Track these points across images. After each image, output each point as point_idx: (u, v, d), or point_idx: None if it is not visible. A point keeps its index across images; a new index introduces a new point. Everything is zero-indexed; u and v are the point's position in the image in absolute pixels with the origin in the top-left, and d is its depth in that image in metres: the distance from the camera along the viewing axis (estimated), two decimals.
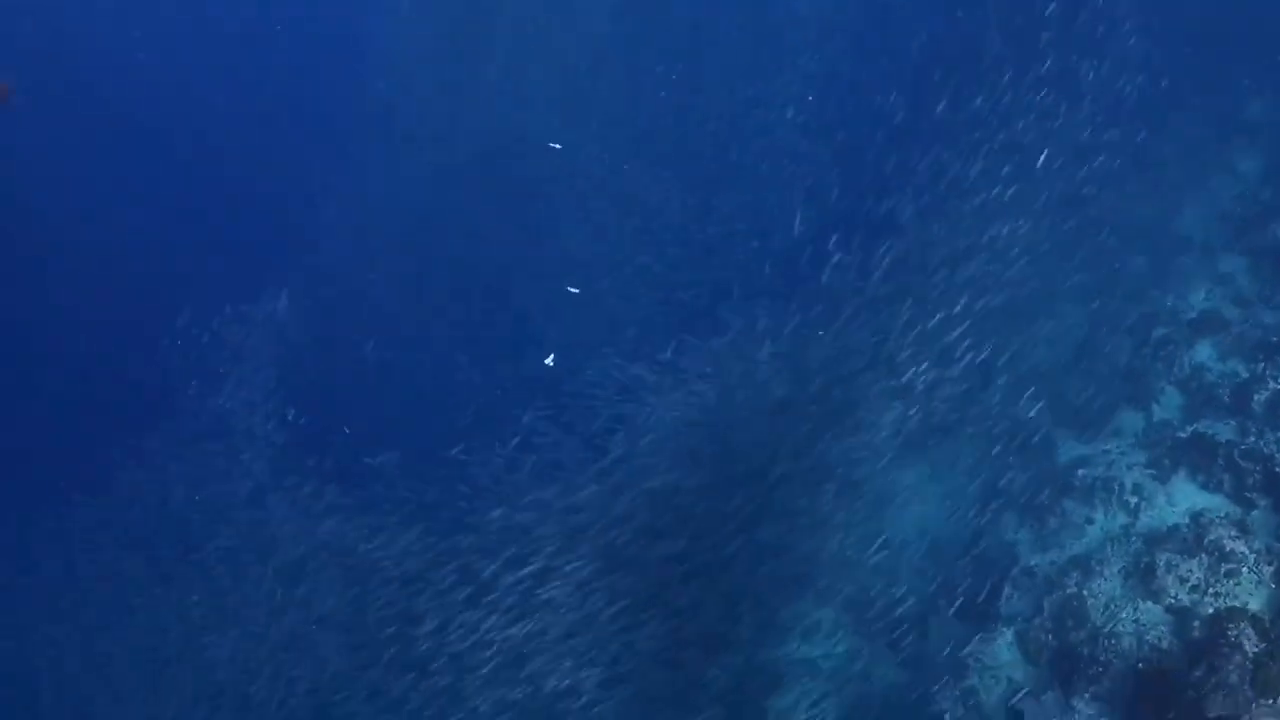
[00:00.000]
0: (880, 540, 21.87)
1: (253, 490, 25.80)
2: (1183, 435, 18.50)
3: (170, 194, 40.90)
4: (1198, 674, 12.65)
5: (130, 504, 27.42)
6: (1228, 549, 15.40)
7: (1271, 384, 18.36)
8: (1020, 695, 16.05)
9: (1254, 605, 14.08)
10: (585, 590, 20.89)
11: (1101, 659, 14.91)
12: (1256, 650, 12.77)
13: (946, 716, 17.11)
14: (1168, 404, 19.71)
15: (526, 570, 20.90)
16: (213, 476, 26.66)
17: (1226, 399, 18.67)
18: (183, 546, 25.48)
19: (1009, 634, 17.27)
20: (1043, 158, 25.07)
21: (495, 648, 20.53)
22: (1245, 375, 18.91)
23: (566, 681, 20.86)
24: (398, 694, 21.05)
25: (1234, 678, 12.33)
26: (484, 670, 20.39)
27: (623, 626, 21.02)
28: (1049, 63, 25.54)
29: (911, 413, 23.17)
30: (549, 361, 24.37)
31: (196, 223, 39.06)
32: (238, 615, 23.81)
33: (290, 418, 26.53)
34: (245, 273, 32.36)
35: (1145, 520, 17.58)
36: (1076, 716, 14.09)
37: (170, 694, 24.05)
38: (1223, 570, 15.13)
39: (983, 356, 23.11)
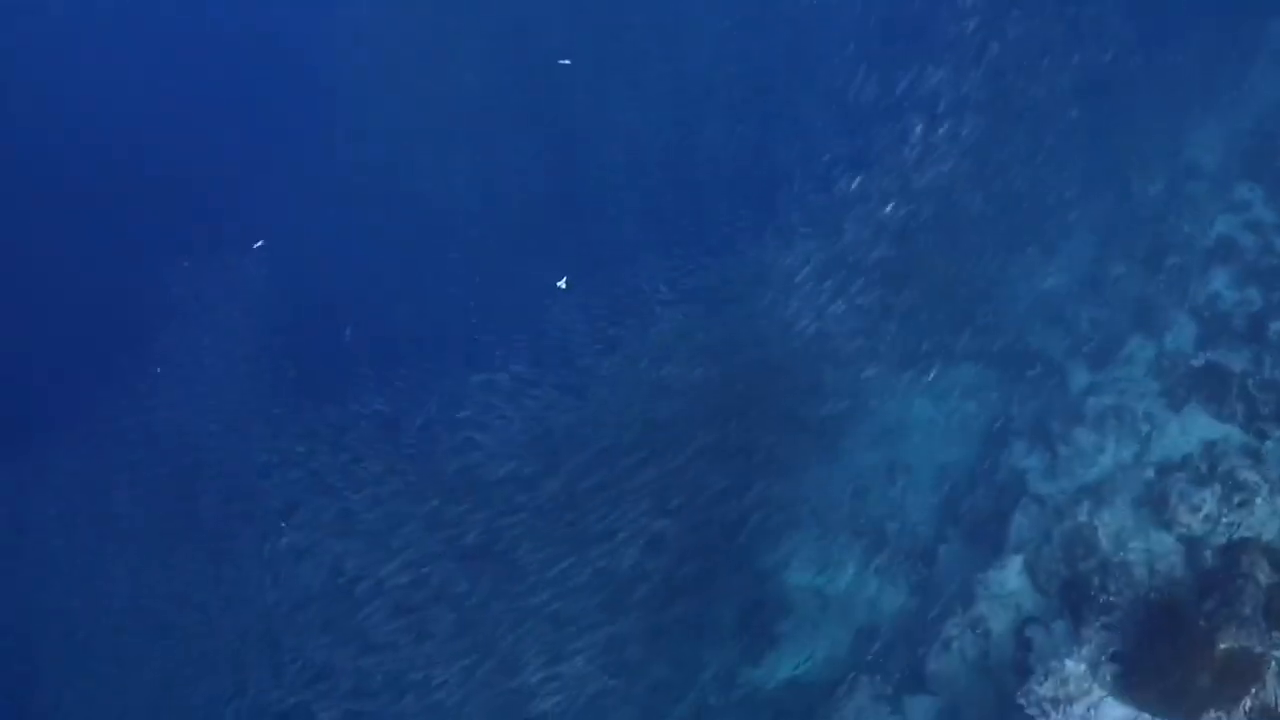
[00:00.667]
0: (889, 468, 21.93)
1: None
2: (1196, 364, 18.36)
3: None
4: (1209, 605, 12.63)
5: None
6: (1241, 479, 15.32)
7: None
8: (1030, 623, 16.05)
9: (1267, 536, 14.03)
10: (595, 517, 20.96)
11: (1112, 588, 14.88)
12: (1269, 581, 12.74)
13: (955, 644, 17.11)
14: (1181, 332, 19.54)
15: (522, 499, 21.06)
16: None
17: (1240, 328, 18.51)
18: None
19: (1018, 563, 17.23)
20: (1055, 81, 24.95)
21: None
22: (1260, 304, 18.77)
23: (575, 608, 21.02)
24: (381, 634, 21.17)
25: (1247, 609, 12.31)
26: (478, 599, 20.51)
27: (632, 555, 21.08)
28: None
29: (919, 336, 23.14)
30: (562, 284, 24.18)
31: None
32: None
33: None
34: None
35: (1157, 449, 17.49)
36: (1086, 646, 14.05)
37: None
38: (1235, 500, 15.06)
39: (992, 278, 23.09)
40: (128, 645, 23.45)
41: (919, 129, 23.54)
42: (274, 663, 21.40)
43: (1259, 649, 11.99)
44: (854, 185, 23.61)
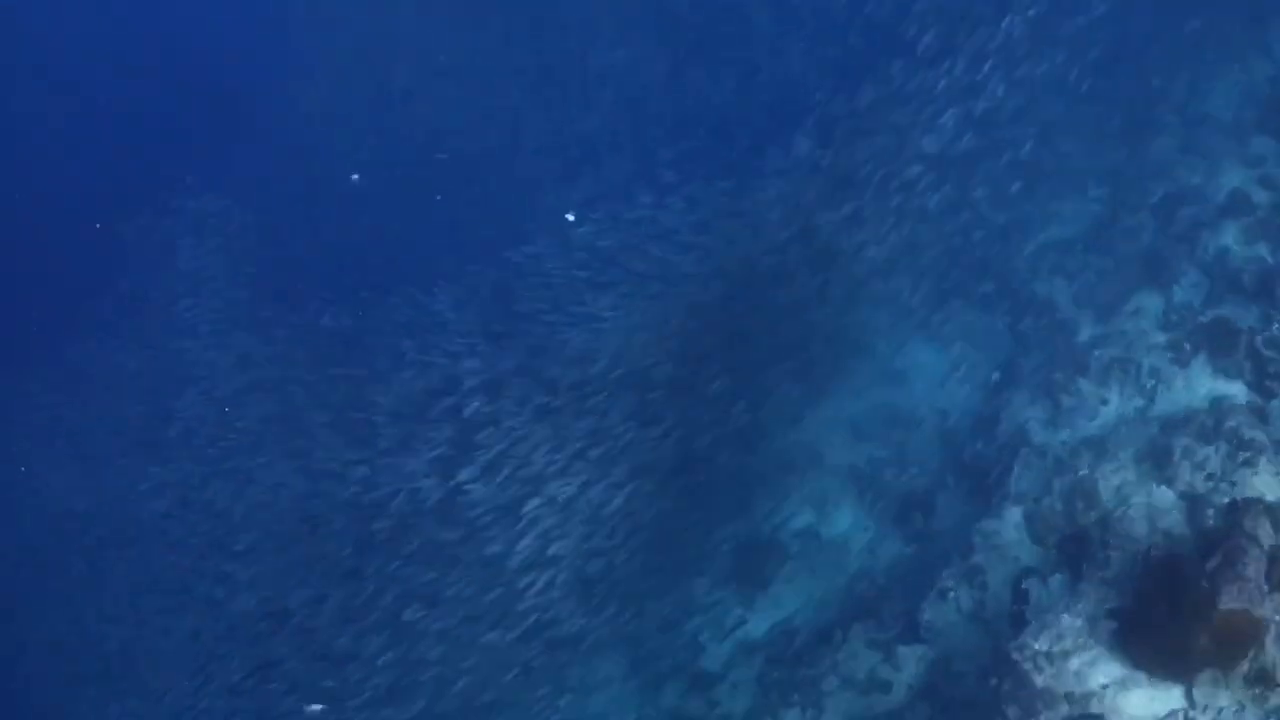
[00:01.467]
0: (890, 412, 21.84)
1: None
2: (1204, 319, 18.02)
3: None
4: (1211, 564, 12.43)
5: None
6: (1246, 437, 15.10)
7: None
8: (1027, 576, 15.94)
9: (1271, 496, 13.81)
10: (593, 445, 20.87)
11: (1112, 543, 14.68)
12: (1273, 543, 12.55)
13: (951, 594, 17.05)
14: (1189, 286, 19.21)
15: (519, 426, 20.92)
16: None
17: (1250, 284, 18.17)
18: None
19: (1017, 514, 17.11)
20: (1069, 30, 24.51)
21: (484, 508, 20.65)
22: (1271, 261, 18.43)
23: (567, 542, 20.97)
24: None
25: (1249, 570, 12.13)
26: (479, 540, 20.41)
27: (625, 489, 21.00)
28: None
29: (924, 282, 22.95)
30: (570, 217, 23.93)
31: None
32: None
33: None
34: None
35: (1162, 404, 17.30)
36: (1084, 600, 13.90)
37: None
38: (1240, 459, 14.86)
39: (1000, 227, 22.86)
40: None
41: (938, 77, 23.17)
42: None
43: (1259, 612, 11.83)
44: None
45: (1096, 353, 18.74)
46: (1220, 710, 12.00)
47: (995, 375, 21.06)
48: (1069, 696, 12.80)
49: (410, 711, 20.39)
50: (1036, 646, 13.29)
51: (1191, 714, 12.08)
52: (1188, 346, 17.93)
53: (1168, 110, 23.70)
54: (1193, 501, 14.76)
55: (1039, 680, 13.00)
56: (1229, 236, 19.41)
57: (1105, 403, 18.06)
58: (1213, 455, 15.20)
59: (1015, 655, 13.44)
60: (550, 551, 20.76)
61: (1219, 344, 17.52)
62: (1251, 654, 11.84)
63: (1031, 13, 22.97)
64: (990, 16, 22.79)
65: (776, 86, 28.39)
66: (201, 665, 21.93)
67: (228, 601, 22.32)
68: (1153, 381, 17.79)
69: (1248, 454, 14.86)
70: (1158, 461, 15.79)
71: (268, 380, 25.03)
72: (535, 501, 20.41)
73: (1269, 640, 11.88)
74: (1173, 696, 12.25)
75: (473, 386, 21.31)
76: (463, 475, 20.43)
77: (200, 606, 22.77)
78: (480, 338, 22.81)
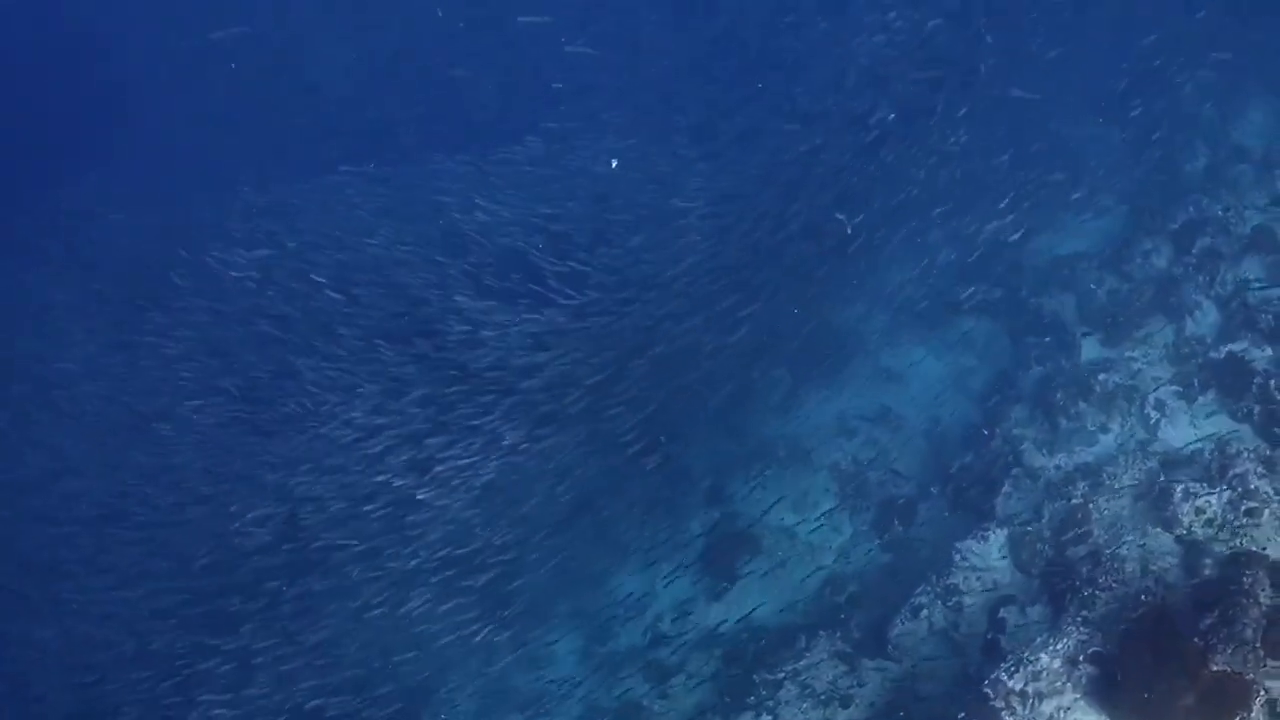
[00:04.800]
0: (881, 413, 21.25)
1: None
2: (1216, 355, 17.32)
3: None
4: (1206, 620, 11.82)
5: None
6: (1252, 486, 14.37)
7: None
8: (1006, 603, 15.34)
9: (1274, 553, 13.21)
10: (577, 414, 20.29)
11: (1100, 581, 14.04)
12: (1272, 603, 11.94)
13: (924, 612, 16.41)
14: (1203, 319, 18.58)
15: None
16: None
17: (1267, 325, 17.45)
18: None
19: (1002, 535, 16.47)
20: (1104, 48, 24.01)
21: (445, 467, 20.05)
22: None
23: (540, 514, 20.65)
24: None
25: (1247, 631, 11.49)
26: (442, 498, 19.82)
27: (599, 462, 20.70)
28: None
29: (930, 282, 22.34)
30: (613, 164, 23.48)
31: None
32: None
33: None
34: None
35: (1165, 439, 16.68)
36: (1064, 639, 13.27)
37: None
38: (1244, 508, 14.15)
39: (1014, 237, 22.24)
40: None
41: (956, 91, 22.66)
42: None
43: (1251, 676, 11.23)
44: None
45: (1101, 377, 18.07)
46: None
47: (994, 387, 20.43)
48: None
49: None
50: (1010, 684, 12.69)
51: None
52: (1196, 382, 17.28)
53: (1198, 136, 23.02)
54: (1190, 548, 14.09)
55: None
56: (1250, 272, 18.73)
57: (1106, 430, 17.43)
58: (1215, 501, 14.49)
59: (987, 689, 12.85)
60: (514, 513, 20.47)
61: (1229, 383, 16.86)
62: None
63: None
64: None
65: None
66: None
67: None
68: (1157, 415, 17.14)
69: (1252, 504, 14.14)
70: (1156, 500, 15.13)
71: None
72: (497, 463, 19.86)
73: (1257, 707, 11.24)
74: None
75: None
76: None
77: None
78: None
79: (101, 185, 32.14)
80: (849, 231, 21.70)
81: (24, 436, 23.79)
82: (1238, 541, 13.82)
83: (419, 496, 19.77)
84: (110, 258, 27.57)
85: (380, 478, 19.78)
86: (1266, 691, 11.34)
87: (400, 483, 19.54)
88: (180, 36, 35.46)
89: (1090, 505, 15.66)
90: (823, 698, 16.97)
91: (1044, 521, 16.15)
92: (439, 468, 19.52)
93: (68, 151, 33.88)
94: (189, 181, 30.02)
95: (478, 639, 20.39)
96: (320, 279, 21.77)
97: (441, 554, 20.08)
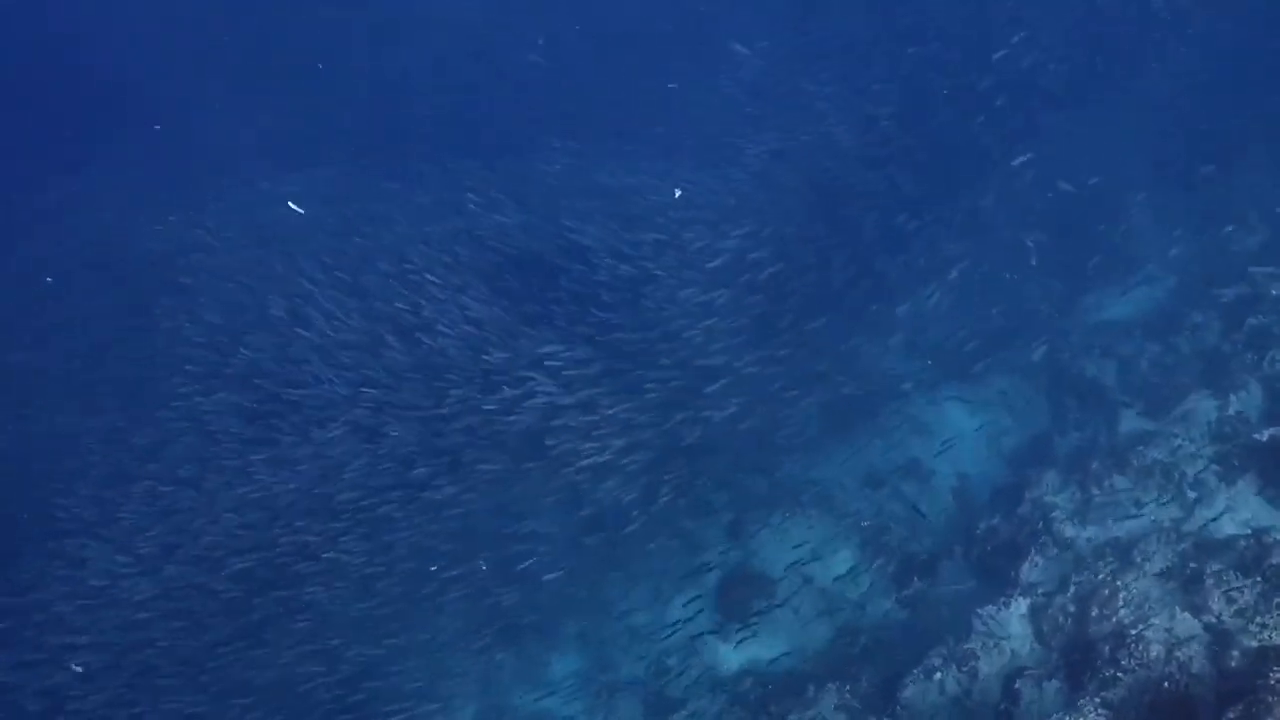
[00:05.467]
0: (910, 466, 20.86)
1: None
2: (1259, 438, 16.87)
3: None
4: (1229, 715, 11.46)
5: None
6: None
7: None
8: (1022, 675, 14.95)
9: None
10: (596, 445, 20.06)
11: (1121, 662, 13.71)
12: None
13: (938, 675, 15.98)
14: (1249, 400, 18.13)
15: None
16: None
17: None
18: None
19: (1024, 605, 16.09)
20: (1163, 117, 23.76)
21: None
22: None
23: (555, 530, 20.62)
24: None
25: None
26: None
27: (618, 490, 20.35)
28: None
29: (970, 336, 22.00)
30: (676, 193, 23.39)
31: None
32: None
33: None
34: None
35: (1200, 521, 16.21)
36: (1079, 718, 12.95)
37: None
38: (1276, 601, 13.80)
39: (1059, 298, 21.93)
40: None
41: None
42: None
43: None
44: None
45: (1139, 450, 17.69)
46: None
47: (1028, 450, 20.12)
48: None
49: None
50: None
51: None
52: (1237, 463, 16.89)
53: (1253, 208, 22.56)
54: (1218, 636, 13.72)
55: None
56: None
57: (1140, 506, 16.98)
58: (1248, 590, 14.13)
59: None
60: (528, 527, 20.45)
61: (1271, 469, 16.45)
62: None
63: None
64: None
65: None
66: None
67: None
68: (1194, 494, 16.73)
69: None
70: (1186, 584, 14.78)
71: None
72: (515, 476, 20.19)
73: None
74: None
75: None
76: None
77: None
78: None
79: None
80: (891, 276, 21.56)
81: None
82: (1267, 635, 13.43)
83: (435, 499, 19.84)
84: None
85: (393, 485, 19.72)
86: None
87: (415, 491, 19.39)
88: None
89: (1118, 582, 15.27)
90: None
91: (1069, 594, 15.75)
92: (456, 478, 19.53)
93: None
94: None
95: (480, 652, 20.27)
96: None
97: (450, 562, 19.99)
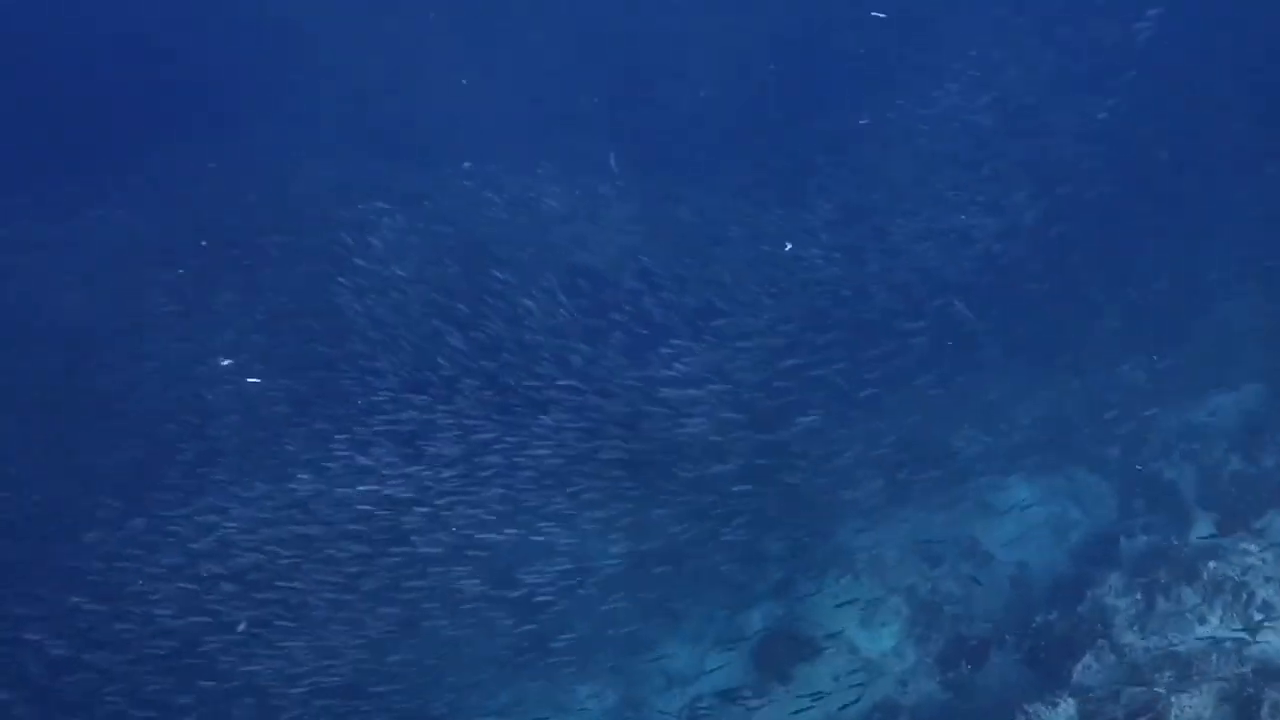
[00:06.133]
0: (970, 542, 20.50)
1: None
2: None
3: None
4: None
5: None
6: None
7: None
8: None
9: None
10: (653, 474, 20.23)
11: None
12: None
13: None
14: None
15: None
16: None
17: None
18: None
19: (1072, 707, 15.59)
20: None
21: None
22: None
23: (600, 560, 20.40)
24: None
25: None
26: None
27: (679, 524, 20.21)
28: None
29: (1052, 423, 21.65)
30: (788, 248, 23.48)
31: None
32: None
33: None
34: None
35: (1265, 645, 15.68)
36: None
37: None
38: None
39: (1144, 394, 21.55)
40: None
41: None
42: None
43: None
44: None
45: (1210, 563, 17.17)
46: None
47: (1094, 547, 19.65)
48: None
49: None
50: None
51: None
52: None
53: None
54: None
55: None
56: None
57: (1203, 621, 16.50)
58: None
59: None
60: (575, 551, 20.25)
61: None
62: None
63: None
64: None
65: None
66: None
67: None
68: (1261, 616, 16.22)
69: None
70: (1242, 707, 14.30)
71: None
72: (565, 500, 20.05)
73: None
74: None
75: None
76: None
77: None
78: None
79: None
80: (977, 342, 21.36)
81: None
82: None
83: (482, 518, 19.71)
84: None
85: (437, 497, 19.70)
86: None
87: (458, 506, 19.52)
88: None
89: (1172, 698, 14.79)
90: None
91: (1120, 703, 15.25)
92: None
93: None
94: None
95: (510, 674, 20.10)
96: None
97: (491, 580, 19.94)
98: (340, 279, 23.71)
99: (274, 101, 35.94)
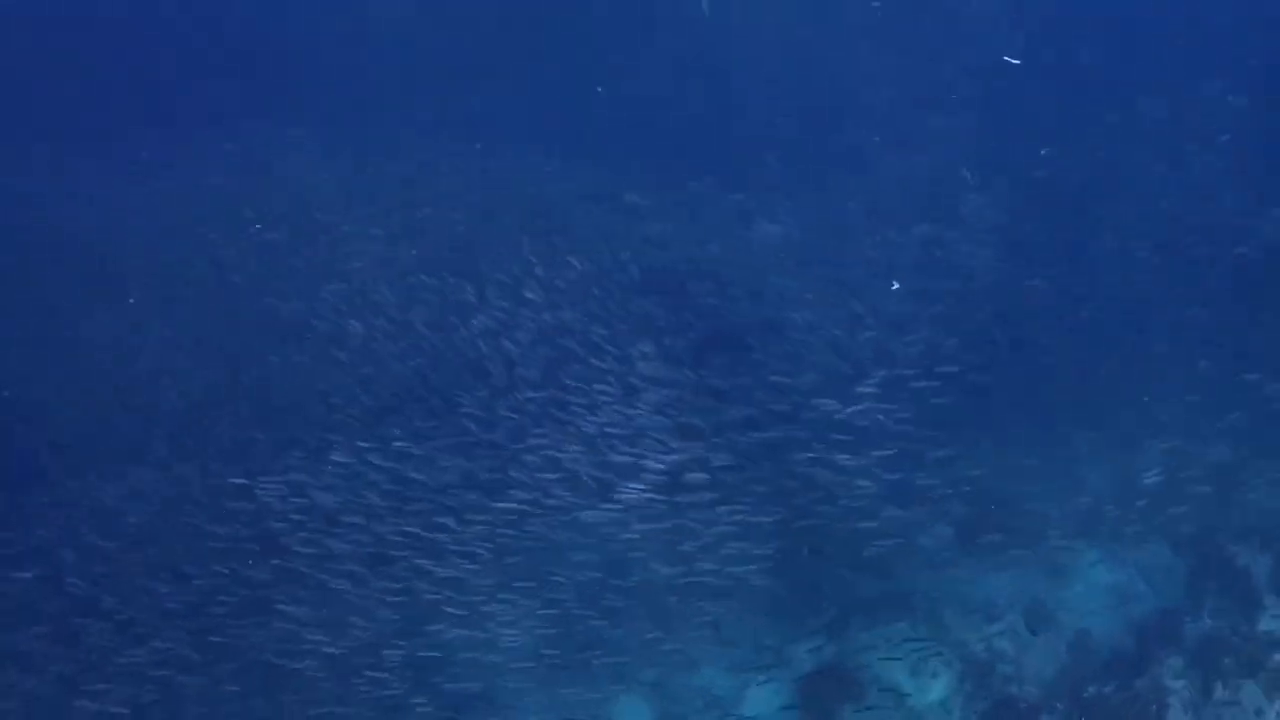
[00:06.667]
0: (1032, 604, 20.20)
1: None
2: None
3: None
4: None
5: None
6: None
7: None
8: None
9: None
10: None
11: None
12: None
13: None
14: None
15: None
16: None
17: None
18: None
19: None
20: None
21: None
22: None
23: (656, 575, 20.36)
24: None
25: None
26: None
27: (756, 559, 20.17)
28: None
29: (1128, 492, 21.25)
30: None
31: None
32: None
33: None
34: None
35: None
36: None
37: None
38: None
39: (1230, 473, 21.08)
40: None
41: None
42: None
43: None
44: None
45: (1275, 657, 16.78)
46: None
47: (1160, 623, 19.24)
48: None
49: None
50: None
51: None
52: None
53: None
54: None
55: None
56: None
57: (1260, 715, 16.14)
58: None
59: None
60: (638, 564, 20.42)
61: None
62: None
63: None
64: None
65: None
66: None
67: None
68: None
69: None
70: None
71: None
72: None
73: None
74: None
75: None
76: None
77: None
78: None
79: None
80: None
81: None
82: None
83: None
84: None
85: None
86: None
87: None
88: None
89: None
90: None
91: None
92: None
93: None
94: None
95: (549, 677, 20.06)
96: None
97: (544, 583, 20.20)
98: None
99: None
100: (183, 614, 19.81)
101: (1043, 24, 36.01)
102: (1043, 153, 28.80)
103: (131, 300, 26.45)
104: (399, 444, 21.34)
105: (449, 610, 19.59)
